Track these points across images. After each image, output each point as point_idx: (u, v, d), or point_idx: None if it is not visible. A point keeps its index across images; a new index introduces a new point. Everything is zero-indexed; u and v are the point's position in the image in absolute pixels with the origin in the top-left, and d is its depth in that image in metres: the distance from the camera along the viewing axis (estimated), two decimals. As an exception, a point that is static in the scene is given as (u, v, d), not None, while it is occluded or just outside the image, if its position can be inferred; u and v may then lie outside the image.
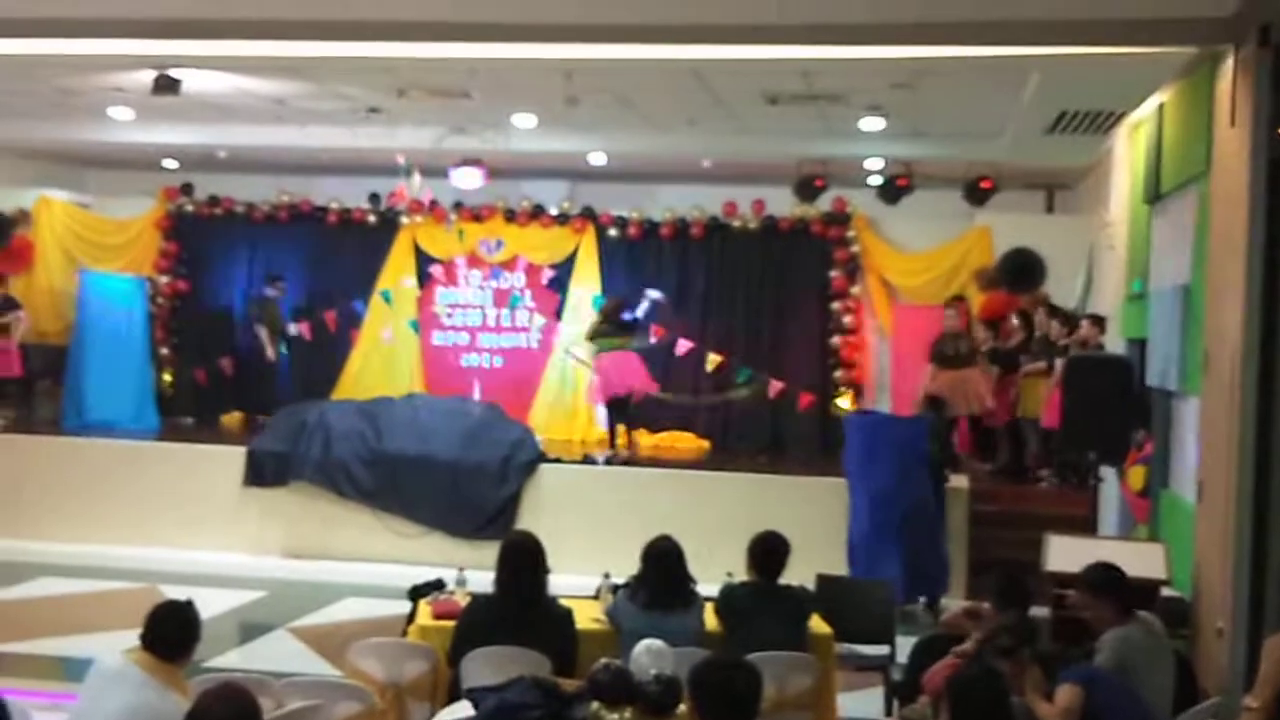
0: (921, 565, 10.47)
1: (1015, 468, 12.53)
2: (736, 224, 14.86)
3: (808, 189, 13.08)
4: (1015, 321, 12.81)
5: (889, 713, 7.16)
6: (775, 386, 14.39)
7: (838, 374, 14.43)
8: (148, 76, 9.81)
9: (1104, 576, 5.87)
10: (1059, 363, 11.55)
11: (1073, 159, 12.29)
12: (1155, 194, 9.25)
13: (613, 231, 15.01)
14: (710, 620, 6.36)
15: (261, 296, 14.81)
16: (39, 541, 12.07)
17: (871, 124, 11.54)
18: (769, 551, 6.41)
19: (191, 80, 10.05)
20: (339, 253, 15.38)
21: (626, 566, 6.51)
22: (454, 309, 15.35)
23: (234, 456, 12.37)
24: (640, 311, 13.30)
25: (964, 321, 13.44)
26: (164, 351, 15.47)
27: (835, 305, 14.51)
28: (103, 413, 14.20)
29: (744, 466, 12.61)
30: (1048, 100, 9.92)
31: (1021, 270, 12.86)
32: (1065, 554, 7.68)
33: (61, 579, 11.16)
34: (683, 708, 4.79)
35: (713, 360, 14.58)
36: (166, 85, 9.78)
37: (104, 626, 9.06)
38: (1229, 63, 7.07)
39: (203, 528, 12.15)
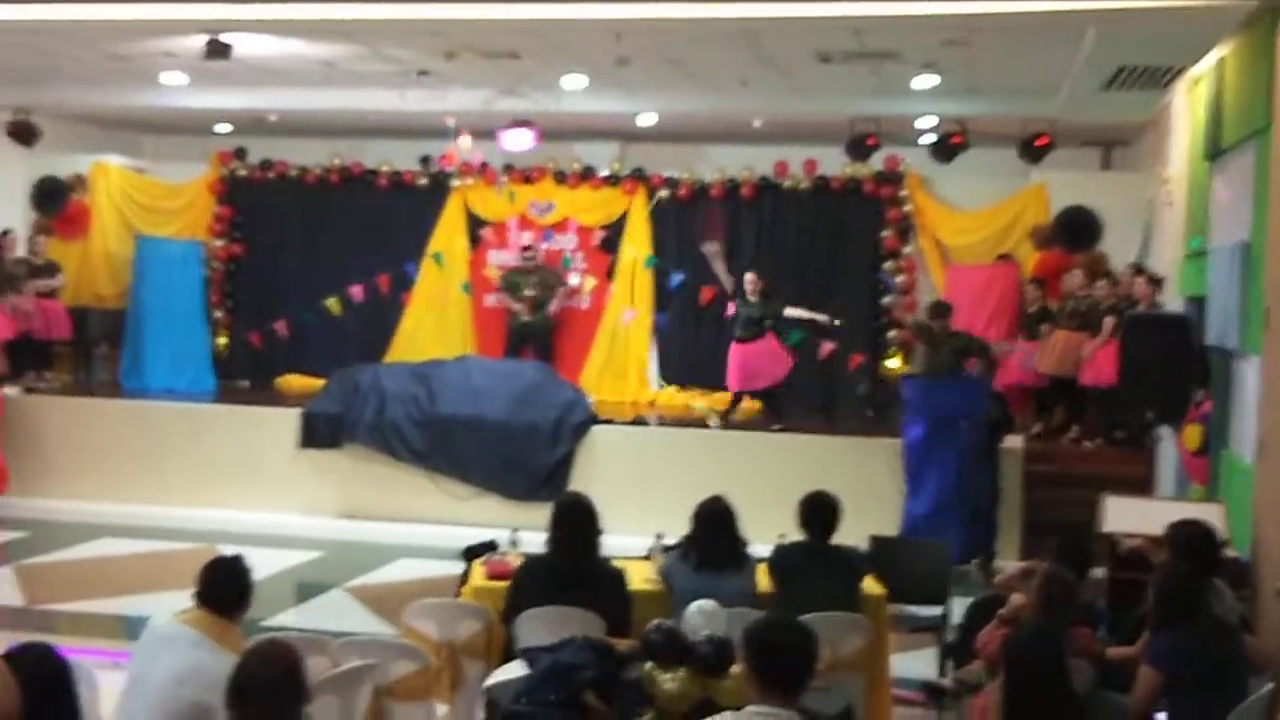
0: (977, 526, 10.44)
1: (1067, 429, 12.39)
2: (787, 184, 14.76)
3: (860, 148, 12.94)
4: (1080, 279, 12.52)
5: (943, 674, 7.14)
6: (826, 347, 14.33)
7: (889, 334, 14.33)
8: (199, 41, 9.84)
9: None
10: (1107, 322, 11.43)
11: (1130, 115, 12.08)
12: (1215, 150, 9.08)
13: (663, 192, 14.94)
14: (763, 581, 6.36)
15: None
16: (99, 503, 12.27)
17: (925, 81, 11.39)
18: (820, 511, 6.39)
19: (242, 44, 10.07)
20: (391, 215, 15.41)
21: (678, 527, 6.51)
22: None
23: (289, 418, 12.48)
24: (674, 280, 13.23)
25: (1014, 280, 13.33)
26: (219, 315, 15.61)
27: (887, 265, 14.40)
28: (160, 376, 14.37)
29: (795, 427, 12.56)
30: (1105, 55, 9.74)
31: (1078, 228, 12.71)
32: (1123, 515, 7.62)
33: (121, 539, 11.34)
34: (735, 668, 4.79)
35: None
36: (218, 50, 9.81)
37: (163, 586, 9.17)
38: (1292, 15, 6.91)
39: (259, 489, 12.30)
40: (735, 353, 12.80)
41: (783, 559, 6.40)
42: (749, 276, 12.96)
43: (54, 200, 14.91)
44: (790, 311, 12.91)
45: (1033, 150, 12.83)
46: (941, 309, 11.52)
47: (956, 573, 8.68)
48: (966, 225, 14.36)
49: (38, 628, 8.28)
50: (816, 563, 6.28)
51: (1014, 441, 11.46)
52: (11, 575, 9.94)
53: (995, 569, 9.98)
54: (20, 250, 14.25)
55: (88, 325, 15.03)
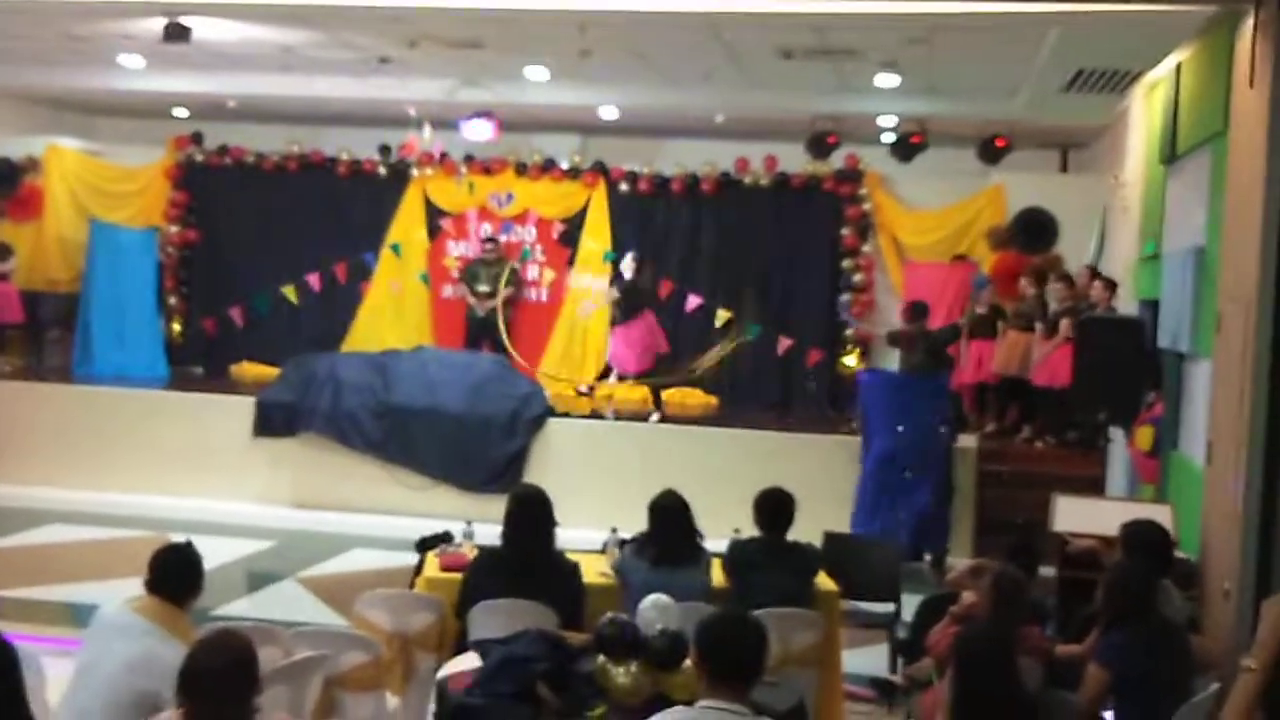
0: (930, 521, 10.53)
1: (1019, 429, 12.50)
2: (748, 180, 14.78)
3: (820, 146, 13.01)
4: (1024, 282, 12.70)
5: (893, 671, 7.19)
6: (783, 343, 14.39)
7: (847, 331, 14.39)
8: (158, 24, 9.75)
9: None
10: (1064, 324, 11.53)
11: (1089, 118, 12.20)
12: (1171, 154, 9.18)
13: (623, 186, 14.94)
14: (717, 576, 6.37)
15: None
16: (49, 488, 12.14)
17: (886, 80, 11.46)
18: (776, 507, 6.40)
19: (201, 28, 9.98)
20: (349, 204, 15.31)
21: (634, 522, 6.52)
22: (463, 261, 15.28)
23: (243, 406, 12.40)
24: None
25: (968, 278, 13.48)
26: (173, 301, 15.47)
27: (846, 263, 14.46)
28: (112, 361, 14.24)
29: (751, 423, 12.61)
30: (1065, 58, 9.83)
31: (1034, 230, 12.81)
32: (1073, 514, 7.70)
33: (71, 526, 11.24)
34: (688, 663, 4.80)
35: (721, 316, 14.57)
36: (176, 33, 9.72)
37: (113, 574, 9.11)
38: (1249, 22, 6.98)
39: (212, 477, 12.21)
40: (616, 334, 13.44)
41: (737, 554, 6.42)
42: (630, 256, 13.53)
43: (6, 182, 14.73)
44: None
45: (991, 151, 12.93)
46: (918, 310, 11.66)
47: (907, 569, 8.73)
48: (925, 224, 14.44)
49: (-16, 614, 8.17)
50: (771, 558, 6.30)
51: (967, 441, 11.55)
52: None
53: (947, 567, 10.06)
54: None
55: (39, 309, 14.87)
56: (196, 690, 3.83)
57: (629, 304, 13.43)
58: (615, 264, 14.39)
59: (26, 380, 13.58)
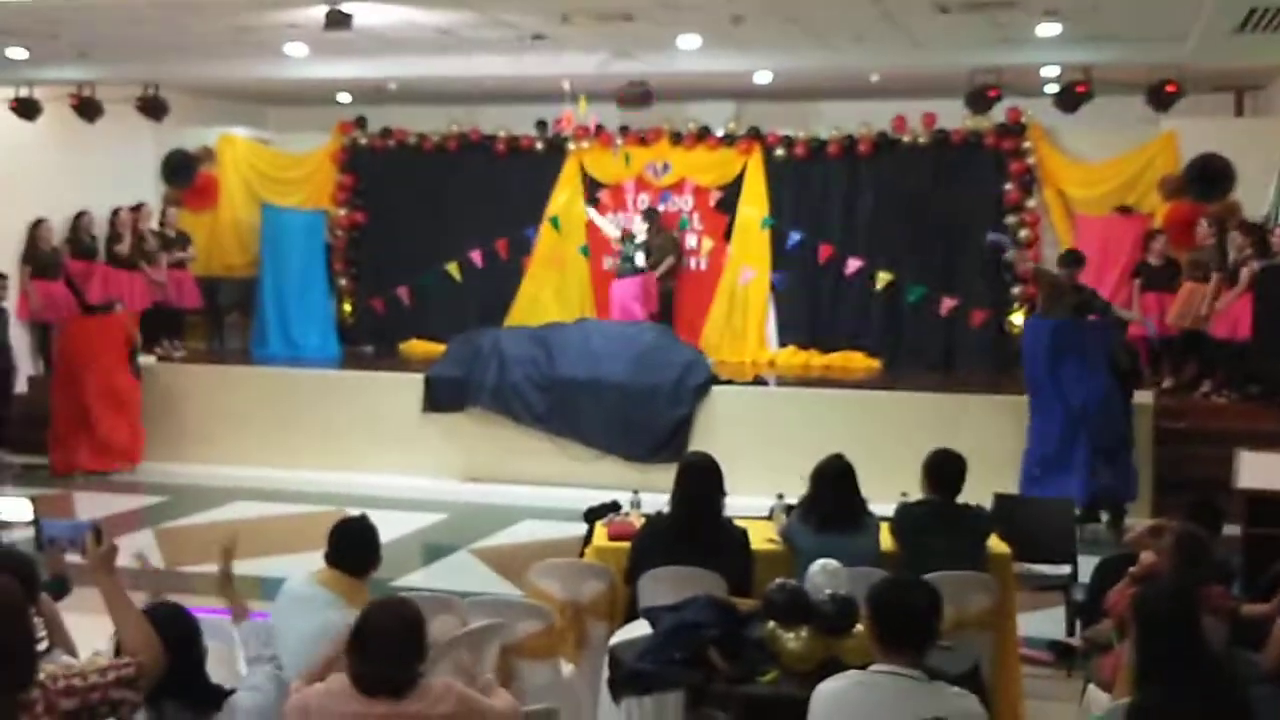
0: (1107, 476, 10.21)
1: (1198, 384, 12.08)
2: (906, 139, 14.55)
3: (981, 100, 12.67)
4: (1203, 228, 12.22)
5: (1071, 633, 7.05)
6: (947, 304, 14.16)
7: (1013, 289, 14.08)
8: (320, 12, 9.98)
9: None
10: (1244, 273, 11.10)
11: (1264, 59, 11.66)
12: (1355, 92, 8.74)
13: (779, 151, 14.84)
14: (885, 540, 6.31)
15: None
16: (232, 467, 12.60)
17: (1047, 30, 11.11)
18: (945, 469, 6.32)
19: (361, 14, 10.19)
20: (508, 180, 15.51)
21: (799, 487, 6.49)
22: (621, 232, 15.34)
23: (413, 383, 12.68)
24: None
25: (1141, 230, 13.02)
26: (343, 282, 15.88)
27: (1010, 219, 14.13)
28: (287, 343, 14.70)
29: (916, 385, 12.43)
30: (1236, -3, 9.41)
31: (1209, 177, 12.33)
32: (1257, 470, 7.43)
33: (254, 502, 11.62)
34: (859, 627, 4.78)
35: (882, 278, 14.40)
36: (338, 20, 9.94)
37: (294, 548, 9.39)
38: None
39: (385, 453, 12.52)
40: (614, 288, 14.28)
41: (906, 517, 6.35)
42: (639, 218, 14.57)
43: (183, 173, 15.30)
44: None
45: (1161, 97, 12.45)
46: (1070, 258, 11.29)
47: (1083, 530, 8.53)
48: (1092, 177, 14.01)
49: (176, 588, 8.51)
50: (940, 521, 6.22)
51: (1144, 397, 11.20)
52: (152, 538, 10.24)
53: (1125, 527, 9.79)
54: (153, 223, 14.67)
55: (217, 294, 15.45)
56: (364, 651, 3.94)
57: (636, 262, 14.21)
58: (776, 229, 14.42)
59: (208, 364, 14.12)
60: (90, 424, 12.56)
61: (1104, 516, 10.46)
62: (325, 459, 12.55)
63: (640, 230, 14.36)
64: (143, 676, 3.44)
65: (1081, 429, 10.28)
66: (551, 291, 15.30)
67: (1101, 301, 11.11)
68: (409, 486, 11.98)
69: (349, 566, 5.05)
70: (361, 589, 5.10)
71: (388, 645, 3.96)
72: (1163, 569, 5.36)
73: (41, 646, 4.22)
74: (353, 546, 5.10)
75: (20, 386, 13.55)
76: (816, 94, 14.81)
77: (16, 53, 12.33)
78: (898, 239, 14.49)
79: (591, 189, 15.40)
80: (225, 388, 13.32)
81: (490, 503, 11.61)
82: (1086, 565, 7.00)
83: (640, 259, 14.22)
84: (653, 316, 14.03)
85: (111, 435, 12.66)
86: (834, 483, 6.19)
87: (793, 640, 4.89)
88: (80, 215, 13.94)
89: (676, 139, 15.11)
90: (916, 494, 6.46)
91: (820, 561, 5.28)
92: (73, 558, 4.14)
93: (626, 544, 6.34)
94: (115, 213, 14.17)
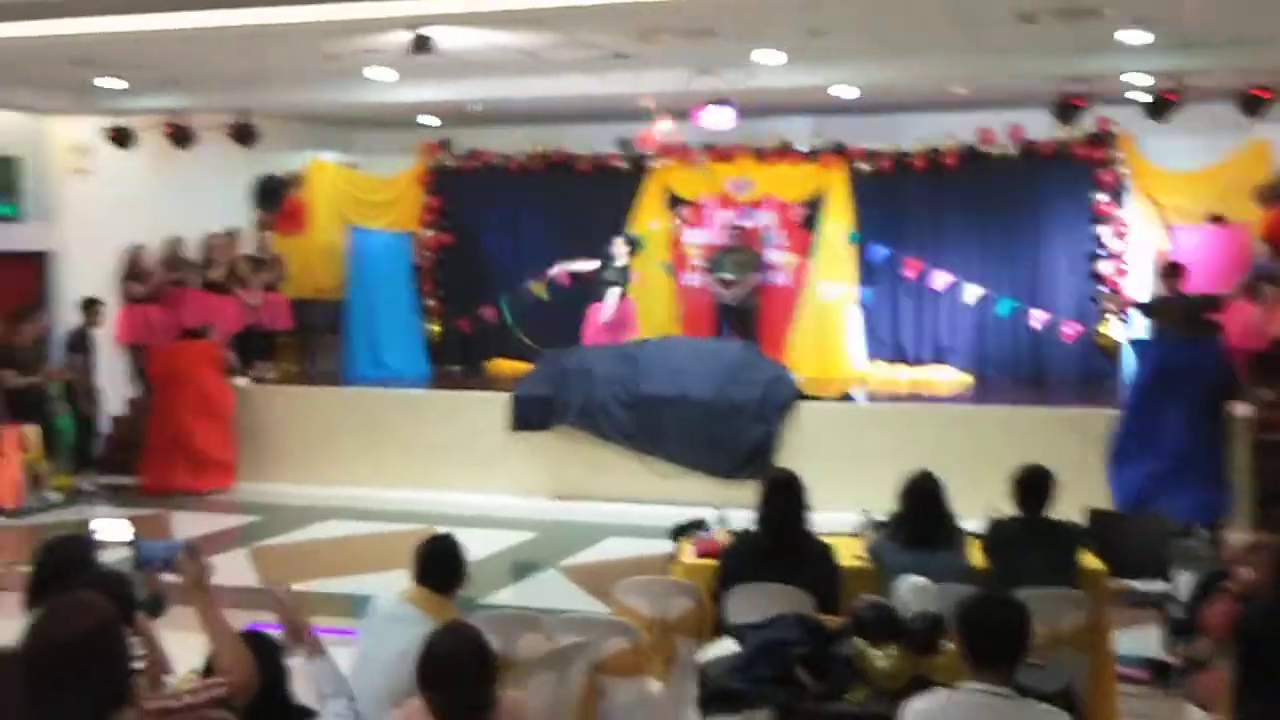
0: (1204, 490, 10.05)
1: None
2: (993, 151, 14.40)
3: (1067, 110, 12.50)
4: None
5: (1168, 651, 6.91)
6: (1037, 317, 13.98)
7: (1105, 303, 13.86)
8: (403, 37, 10.12)
9: None
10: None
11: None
12: None
13: (863, 165, 14.76)
14: (974, 556, 6.24)
15: None
16: (323, 486, 12.75)
17: (1135, 37, 10.95)
18: (1035, 484, 6.23)
19: (444, 38, 10.31)
20: (590, 199, 15.59)
21: (887, 503, 6.44)
22: (704, 249, 15.35)
23: (500, 402, 12.77)
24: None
25: (1243, 240, 12.75)
26: (430, 303, 16.05)
27: (1100, 230, 13.92)
28: (377, 363, 14.88)
29: (1006, 399, 12.28)
30: (1330, -2, 9.21)
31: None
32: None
33: (345, 521, 11.75)
34: (948, 645, 4.73)
35: (972, 292, 14.25)
36: (422, 45, 10.07)
37: (384, 566, 9.46)
38: None
39: (473, 471, 12.60)
40: (593, 310, 14.24)
41: (997, 533, 6.27)
42: (620, 240, 14.33)
43: (274, 197, 15.59)
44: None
45: (1252, 103, 12.21)
46: (1170, 269, 11.16)
47: (1179, 546, 8.36)
48: (1183, 185, 13.78)
49: (269, 607, 8.64)
50: (1031, 537, 6.13)
51: (1243, 409, 10.96)
52: (246, 556, 10.41)
53: (1223, 542, 9.57)
54: (246, 247, 14.94)
55: (308, 316, 15.68)
56: (438, 680, 3.97)
57: (614, 284, 14.14)
58: (861, 244, 14.37)
59: (299, 385, 14.33)
60: (185, 445, 12.83)
61: (1203, 532, 10.24)
62: (414, 478, 12.66)
63: (620, 254, 14.29)
64: (236, 696, 3.48)
65: (1185, 449, 10.13)
66: (636, 309, 15.31)
67: (1206, 297, 10.99)
68: (496, 505, 12.05)
69: (436, 584, 5.09)
70: (448, 606, 5.14)
71: (461, 671, 3.98)
72: (1262, 585, 5.24)
73: (136, 666, 4.30)
74: (439, 564, 5.14)
75: (116, 409, 13.87)
76: (899, 107, 14.70)
77: (114, 83, 12.65)
78: (985, 252, 14.35)
79: (674, 206, 15.42)
80: (316, 408, 13.51)
81: (577, 520, 11.64)
82: (1184, 581, 6.85)
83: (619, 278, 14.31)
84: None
85: (207, 454, 12.93)
86: (922, 499, 6.14)
87: (881, 658, 4.84)
88: (174, 240, 14.24)
89: (759, 155, 15.09)
90: (1006, 510, 6.38)
91: (908, 578, 5.24)
92: (170, 577, 4.21)
93: (713, 561, 6.33)
94: (209, 238, 14.46)
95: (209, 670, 3.83)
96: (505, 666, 5.54)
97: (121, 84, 12.72)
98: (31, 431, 12.17)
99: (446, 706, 3.96)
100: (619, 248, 14.20)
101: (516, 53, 11.63)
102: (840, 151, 14.85)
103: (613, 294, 14.10)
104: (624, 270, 14.17)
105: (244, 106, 13.60)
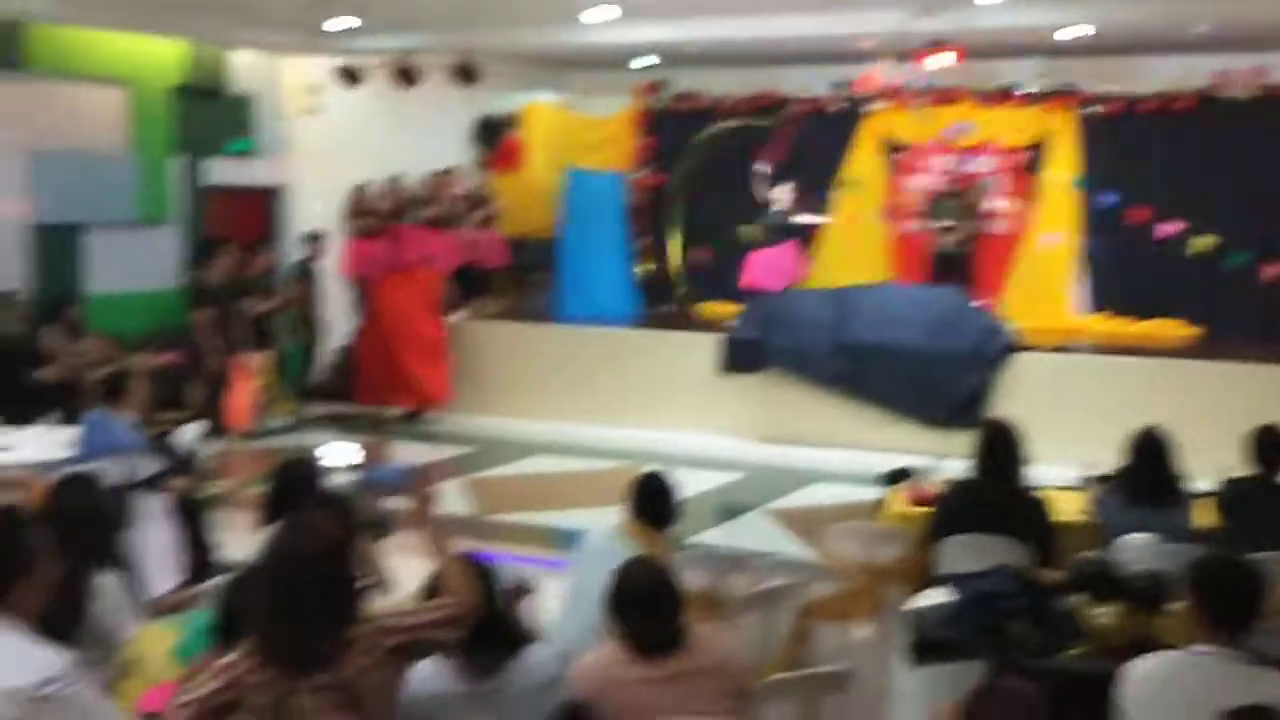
0: None
1: None
2: (1233, 95, 13.68)
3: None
4: None
5: None
6: (1269, 270, 13.33)
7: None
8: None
9: None
10: None
11: None
12: None
13: (1091, 109, 14.21)
14: (1199, 516, 6.01)
15: None
16: (533, 421, 13.01)
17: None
18: (1273, 444, 5.96)
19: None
20: (805, 142, 15.38)
21: (1105, 458, 6.25)
22: (922, 195, 15.02)
23: (710, 343, 12.80)
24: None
25: None
26: (642, 243, 16.12)
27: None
28: (588, 302, 15.04)
29: (1235, 355, 11.74)
30: None
31: None
32: None
33: (554, 456, 11.99)
34: (1172, 605, 4.58)
35: (1197, 243, 13.64)
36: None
37: (591, 502, 9.65)
38: None
39: (681, 411, 12.69)
40: (756, 256, 13.89)
41: (1232, 494, 6.03)
42: (789, 186, 13.80)
43: (491, 137, 15.86)
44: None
45: None
46: None
47: None
48: None
49: (484, 536, 8.90)
50: (1269, 499, 5.88)
51: None
52: (463, 487, 10.72)
53: None
54: (464, 186, 15.27)
55: (522, 254, 15.96)
56: (622, 611, 4.10)
57: (782, 232, 13.72)
58: (1087, 190, 13.86)
59: (512, 321, 14.63)
60: (402, 372, 13.34)
61: None
62: (622, 416, 12.82)
63: (781, 200, 13.91)
64: (462, 618, 3.58)
65: None
66: (848, 255, 15.13)
67: None
68: (704, 445, 12.10)
69: (651, 519, 5.16)
70: (662, 542, 5.20)
71: (648, 603, 4.05)
72: None
73: (364, 586, 4.46)
74: (655, 499, 5.21)
75: (338, 339, 14.44)
76: (1133, 48, 14.08)
77: (345, 22, 13.01)
78: (1219, 202, 13.67)
79: (891, 151, 15.14)
80: (528, 345, 13.78)
81: (784, 464, 11.62)
82: None
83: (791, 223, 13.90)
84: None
85: (422, 384, 13.41)
86: (1151, 455, 5.96)
87: (1103, 615, 4.71)
88: (395, 178, 14.63)
89: (981, 98, 14.66)
90: (1234, 470, 6.12)
91: (1133, 536, 5.09)
92: (393, 501, 4.34)
93: (925, 509, 6.25)
94: (429, 176, 14.81)
95: (429, 594, 3.94)
96: (713, 605, 5.61)
97: (353, 23, 13.07)
98: (262, 359, 12.74)
99: (636, 638, 4.04)
100: (779, 193, 13.95)
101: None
102: (1068, 94, 14.30)
103: (774, 242, 13.90)
104: (784, 216, 13.89)
105: (467, 46, 13.83)
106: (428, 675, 3.89)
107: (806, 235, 14.08)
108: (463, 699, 3.93)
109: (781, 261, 13.82)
